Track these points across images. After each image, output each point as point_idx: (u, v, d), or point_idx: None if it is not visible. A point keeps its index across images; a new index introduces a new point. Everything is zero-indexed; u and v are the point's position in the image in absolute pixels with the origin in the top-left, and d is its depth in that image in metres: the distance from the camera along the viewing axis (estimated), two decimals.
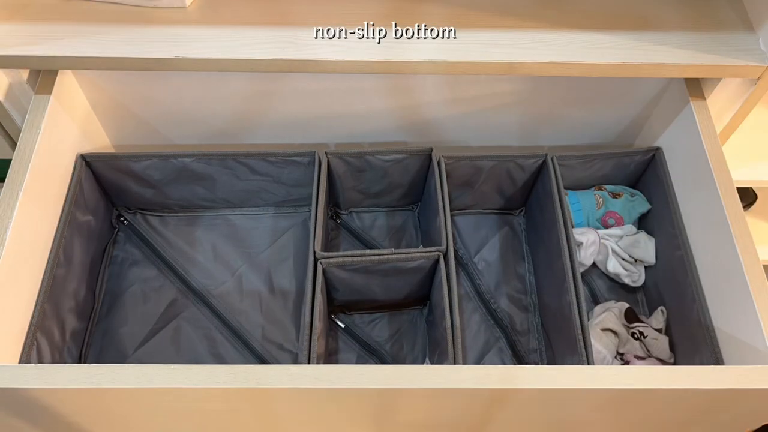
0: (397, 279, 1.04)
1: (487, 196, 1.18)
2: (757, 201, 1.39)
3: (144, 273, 1.13)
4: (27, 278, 0.89)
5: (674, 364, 1.00)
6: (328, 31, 0.92)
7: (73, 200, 0.99)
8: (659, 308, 1.04)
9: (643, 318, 1.05)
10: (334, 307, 1.10)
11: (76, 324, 1.01)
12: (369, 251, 1.02)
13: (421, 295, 1.09)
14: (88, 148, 1.06)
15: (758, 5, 0.95)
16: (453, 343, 0.90)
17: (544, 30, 0.94)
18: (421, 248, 1.01)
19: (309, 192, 1.05)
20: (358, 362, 1.07)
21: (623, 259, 1.09)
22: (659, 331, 1.02)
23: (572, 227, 1.02)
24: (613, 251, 1.08)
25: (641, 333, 1.01)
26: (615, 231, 1.10)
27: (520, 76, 1.05)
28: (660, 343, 1.00)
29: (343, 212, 1.22)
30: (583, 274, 1.08)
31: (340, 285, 1.03)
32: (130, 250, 1.15)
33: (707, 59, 0.92)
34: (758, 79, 0.93)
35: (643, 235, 1.09)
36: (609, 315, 1.02)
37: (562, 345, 0.98)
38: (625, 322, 1.02)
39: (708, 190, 0.92)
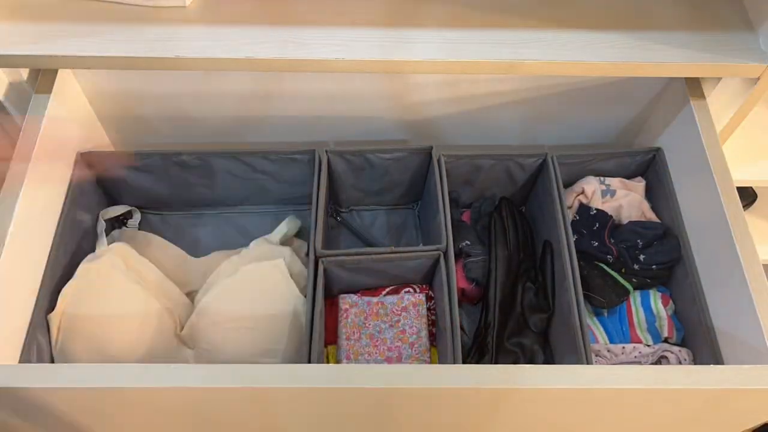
0: (397, 277, 1.04)
1: (487, 194, 1.18)
2: (757, 201, 1.39)
3: None
4: (27, 277, 0.89)
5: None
6: (327, 30, 0.92)
7: (73, 199, 0.99)
8: None
9: None
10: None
11: None
12: (369, 249, 1.02)
13: None
14: (87, 147, 1.06)
15: (758, 5, 0.95)
16: (453, 342, 0.90)
17: (544, 29, 0.94)
18: (421, 246, 1.01)
19: (309, 190, 1.04)
20: None
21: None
22: None
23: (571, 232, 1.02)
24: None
25: None
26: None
27: (520, 76, 1.05)
28: None
29: (343, 210, 1.22)
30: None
31: (340, 283, 1.03)
32: None
33: (707, 58, 0.92)
34: (758, 78, 0.92)
35: None
36: None
37: (562, 344, 0.98)
38: None
39: (708, 190, 0.92)
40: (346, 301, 1.04)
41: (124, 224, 1.15)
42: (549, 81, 1.06)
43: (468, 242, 1.07)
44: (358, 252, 0.99)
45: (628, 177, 1.12)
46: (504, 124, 1.16)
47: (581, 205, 1.07)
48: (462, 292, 1.06)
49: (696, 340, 0.96)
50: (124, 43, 0.90)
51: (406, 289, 1.06)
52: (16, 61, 0.90)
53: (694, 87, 1.00)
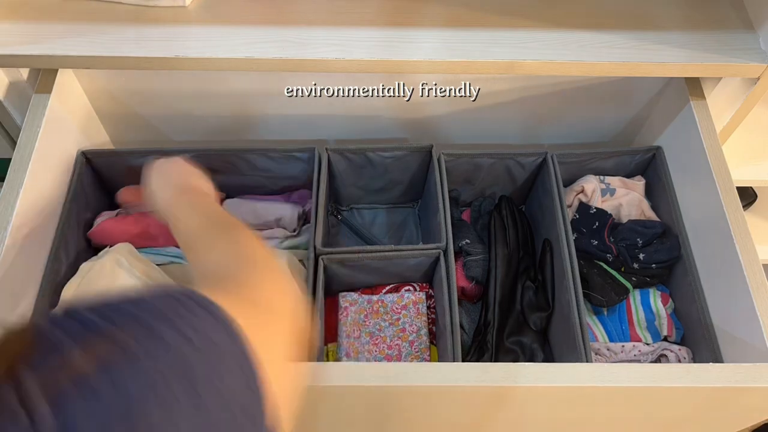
0: (397, 276, 1.04)
1: (487, 193, 1.18)
2: (757, 200, 1.39)
3: None
4: (28, 276, 0.89)
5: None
6: (327, 30, 0.92)
7: (74, 197, 0.99)
8: None
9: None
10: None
11: None
12: (369, 247, 1.02)
13: None
14: (88, 146, 1.06)
15: (758, 5, 0.95)
16: (452, 340, 0.90)
17: (544, 29, 0.94)
18: (421, 245, 1.01)
19: (310, 188, 1.05)
20: None
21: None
22: None
23: (571, 230, 1.02)
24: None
25: None
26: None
27: (520, 75, 1.05)
28: None
29: (343, 209, 1.22)
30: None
31: (340, 281, 1.03)
32: None
33: (707, 58, 0.92)
34: (758, 78, 0.93)
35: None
36: None
37: (561, 343, 0.98)
38: None
39: (708, 190, 0.92)
40: (346, 299, 1.04)
41: None
42: (549, 81, 1.06)
43: (468, 241, 1.07)
44: (358, 250, 0.99)
45: (628, 176, 1.12)
46: (504, 123, 1.16)
47: (581, 203, 1.08)
48: (462, 291, 1.06)
49: (695, 338, 0.97)
50: (124, 43, 0.90)
51: (406, 288, 1.06)
52: (16, 61, 0.90)
53: (694, 86, 1.00)
